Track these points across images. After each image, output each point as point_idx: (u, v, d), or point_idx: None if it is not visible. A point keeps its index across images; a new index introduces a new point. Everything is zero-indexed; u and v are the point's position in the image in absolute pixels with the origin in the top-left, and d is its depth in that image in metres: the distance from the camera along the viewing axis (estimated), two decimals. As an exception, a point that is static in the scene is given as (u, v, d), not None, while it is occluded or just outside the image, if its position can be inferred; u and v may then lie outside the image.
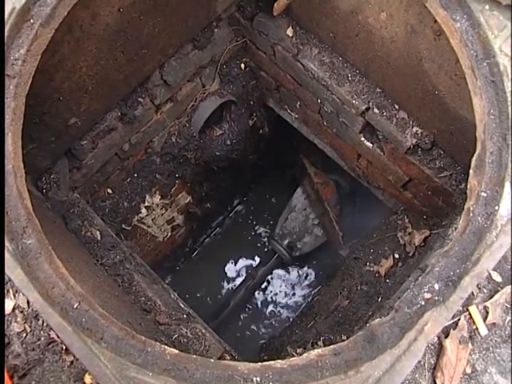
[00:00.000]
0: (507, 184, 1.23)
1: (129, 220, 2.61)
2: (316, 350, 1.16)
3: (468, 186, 1.29)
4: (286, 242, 3.65)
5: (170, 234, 3.19)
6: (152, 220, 2.86)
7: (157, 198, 2.78)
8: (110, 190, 2.45)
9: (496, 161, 1.26)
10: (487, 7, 1.35)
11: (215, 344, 1.86)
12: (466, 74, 1.37)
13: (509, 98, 1.29)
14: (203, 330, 1.89)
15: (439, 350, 1.37)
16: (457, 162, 2.08)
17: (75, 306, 1.14)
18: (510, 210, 1.22)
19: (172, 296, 2.06)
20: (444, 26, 1.41)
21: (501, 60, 1.32)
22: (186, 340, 1.85)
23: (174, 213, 3.08)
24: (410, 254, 2.38)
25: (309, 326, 2.68)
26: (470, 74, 1.36)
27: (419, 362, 1.34)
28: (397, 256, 2.46)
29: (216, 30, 2.38)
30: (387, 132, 2.16)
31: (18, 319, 1.21)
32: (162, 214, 2.94)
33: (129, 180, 2.54)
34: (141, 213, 2.70)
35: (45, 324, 1.21)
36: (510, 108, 1.29)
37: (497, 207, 1.22)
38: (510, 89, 1.29)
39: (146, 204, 2.70)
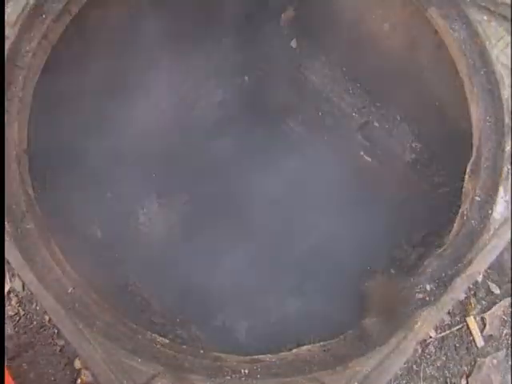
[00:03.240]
0: (501, 188, 1.24)
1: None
2: (305, 346, 1.17)
3: (463, 191, 1.30)
4: None
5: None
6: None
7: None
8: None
9: (491, 166, 1.28)
10: (485, 18, 1.38)
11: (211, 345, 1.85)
12: (464, 82, 1.40)
13: (505, 106, 1.31)
14: (198, 332, 1.88)
15: None
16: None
17: (69, 291, 1.16)
18: (510, 213, 1.23)
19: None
20: (443, 36, 1.45)
21: (498, 69, 1.35)
22: (181, 341, 1.85)
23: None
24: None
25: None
26: (467, 83, 1.39)
27: None
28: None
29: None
30: (386, 146, 2.17)
31: (12, 302, 1.22)
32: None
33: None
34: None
35: (38, 308, 1.23)
36: (506, 115, 1.31)
37: (490, 211, 1.24)
38: (505, 96, 1.32)
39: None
